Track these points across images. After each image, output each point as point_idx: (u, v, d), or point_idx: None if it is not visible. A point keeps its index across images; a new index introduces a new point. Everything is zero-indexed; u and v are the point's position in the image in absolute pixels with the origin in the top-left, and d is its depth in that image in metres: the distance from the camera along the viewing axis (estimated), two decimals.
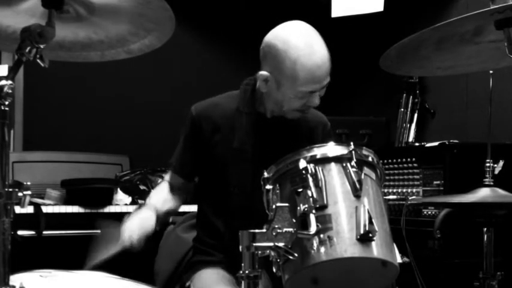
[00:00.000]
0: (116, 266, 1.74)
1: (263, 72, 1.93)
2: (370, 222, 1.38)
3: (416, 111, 3.74)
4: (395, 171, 3.03)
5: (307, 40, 1.89)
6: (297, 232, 1.34)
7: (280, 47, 1.88)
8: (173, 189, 2.11)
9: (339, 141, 1.55)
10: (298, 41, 1.87)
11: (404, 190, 2.98)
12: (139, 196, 3.60)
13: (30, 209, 2.97)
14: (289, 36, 1.89)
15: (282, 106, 1.95)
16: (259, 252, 1.35)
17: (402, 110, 3.74)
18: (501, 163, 2.11)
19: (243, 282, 1.34)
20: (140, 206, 3.59)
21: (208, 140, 2.01)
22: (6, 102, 1.23)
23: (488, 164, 1.99)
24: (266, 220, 1.38)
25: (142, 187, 3.61)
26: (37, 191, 3.35)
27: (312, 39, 1.89)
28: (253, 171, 1.88)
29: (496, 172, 2.03)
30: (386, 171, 3.04)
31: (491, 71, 2.11)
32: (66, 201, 3.36)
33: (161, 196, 2.09)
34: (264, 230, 1.34)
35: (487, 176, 1.98)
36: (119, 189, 3.55)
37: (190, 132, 2.05)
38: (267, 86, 1.94)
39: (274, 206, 1.37)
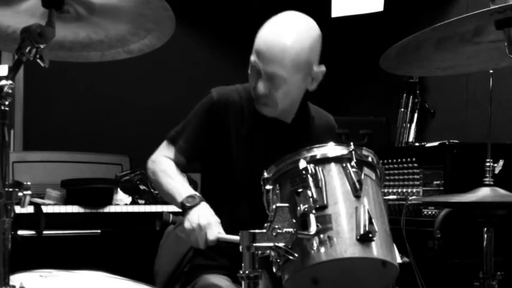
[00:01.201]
0: (116, 266, 1.75)
1: None
2: (370, 222, 1.38)
3: (416, 111, 3.74)
4: (395, 171, 3.03)
5: (282, 22, 1.85)
6: (297, 232, 1.34)
7: None
8: (178, 168, 2.00)
9: (339, 141, 1.55)
10: (272, 20, 1.86)
11: (404, 190, 2.98)
12: (139, 196, 3.60)
13: (30, 209, 2.96)
14: (270, 19, 1.87)
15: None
16: (260, 252, 1.35)
17: (402, 110, 3.75)
18: (501, 163, 2.11)
19: (243, 282, 1.34)
20: (137, 203, 3.58)
21: (222, 129, 1.95)
22: (6, 102, 1.23)
23: (488, 164, 1.99)
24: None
25: (142, 187, 3.61)
26: (37, 191, 3.36)
27: (286, 24, 1.84)
28: (261, 161, 1.76)
29: (496, 172, 2.03)
30: (387, 171, 3.04)
31: (491, 71, 2.11)
32: (66, 201, 3.36)
33: (184, 181, 1.95)
34: (264, 231, 1.34)
35: (487, 175, 1.98)
36: (119, 189, 3.55)
37: (207, 119, 1.96)
38: None
39: (274, 206, 1.37)
